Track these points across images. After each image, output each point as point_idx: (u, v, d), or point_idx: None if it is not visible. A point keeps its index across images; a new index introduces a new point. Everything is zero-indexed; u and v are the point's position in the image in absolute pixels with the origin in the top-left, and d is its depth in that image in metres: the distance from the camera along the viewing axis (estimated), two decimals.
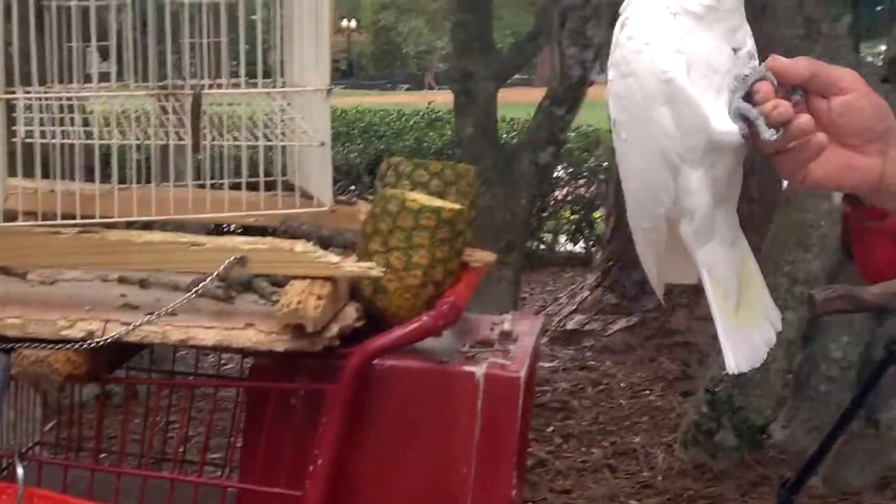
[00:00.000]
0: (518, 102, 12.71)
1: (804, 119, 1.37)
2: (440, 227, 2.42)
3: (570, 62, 6.95)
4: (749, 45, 1.45)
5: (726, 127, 1.39)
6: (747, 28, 1.46)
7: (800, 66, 1.41)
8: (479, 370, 2.40)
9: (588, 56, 6.94)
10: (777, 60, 1.41)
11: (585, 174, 11.82)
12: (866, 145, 1.43)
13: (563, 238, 12.11)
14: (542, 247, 11.88)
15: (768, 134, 1.35)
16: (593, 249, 11.09)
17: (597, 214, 11.30)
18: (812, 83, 1.41)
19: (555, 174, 11.46)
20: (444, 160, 10.66)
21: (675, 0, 1.43)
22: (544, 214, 11.76)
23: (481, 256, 2.69)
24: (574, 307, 8.85)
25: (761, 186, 8.38)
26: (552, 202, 11.80)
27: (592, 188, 11.74)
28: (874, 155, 1.43)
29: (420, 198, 2.47)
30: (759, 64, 1.43)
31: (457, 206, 2.47)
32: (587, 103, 7.64)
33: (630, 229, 1.61)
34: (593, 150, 11.78)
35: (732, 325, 1.49)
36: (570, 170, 11.83)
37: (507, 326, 2.63)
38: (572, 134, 11.77)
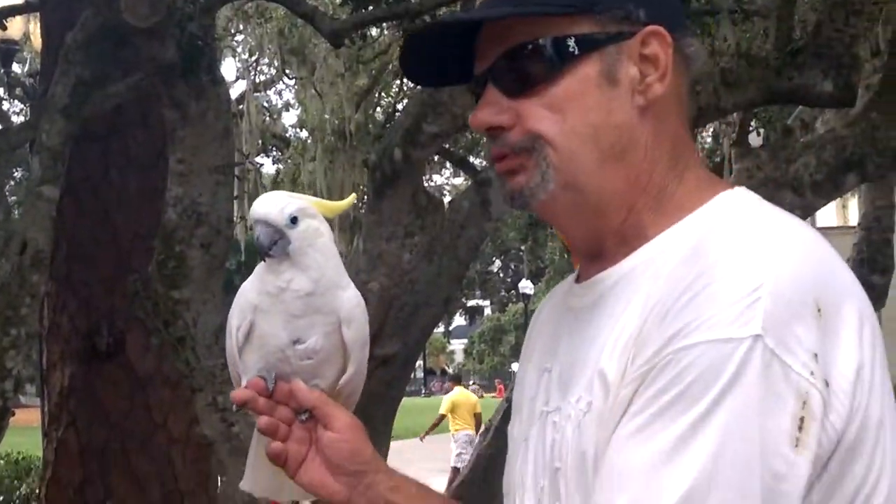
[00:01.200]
0: None
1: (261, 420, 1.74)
2: None
3: None
4: (311, 341, 1.77)
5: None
6: (321, 326, 1.78)
7: (307, 396, 1.75)
8: None
9: (8, 387, 6.79)
10: (298, 384, 1.76)
11: (18, 502, 11.35)
12: (340, 476, 1.74)
13: None
14: None
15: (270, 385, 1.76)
16: None
17: None
18: (315, 412, 1.75)
19: None
20: None
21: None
22: None
23: None
24: None
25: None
26: None
27: None
28: (343, 484, 1.75)
29: None
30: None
31: None
32: (16, 429, 7.41)
33: None
34: (24, 478, 11.37)
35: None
36: (1, 498, 11.33)
37: None
38: (1, 461, 11.34)
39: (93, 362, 8.45)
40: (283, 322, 1.77)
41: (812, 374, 1.27)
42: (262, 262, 1.79)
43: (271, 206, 1.77)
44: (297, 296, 1.76)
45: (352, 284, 1.83)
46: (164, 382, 8.29)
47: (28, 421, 13.18)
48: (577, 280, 1.61)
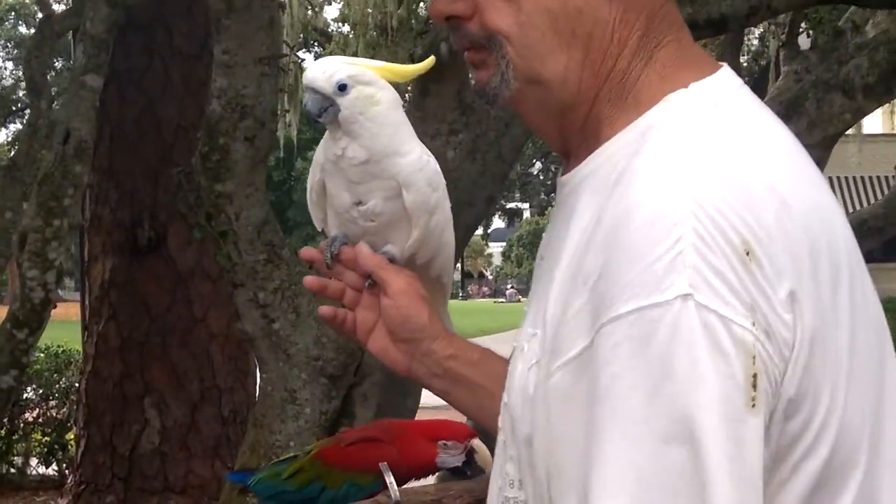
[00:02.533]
0: None
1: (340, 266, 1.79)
2: None
3: (32, 284, 6.80)
4: (371, 204, 1.78)
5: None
6: (381, 191, 1.78)
7: (366, 260, 1.77)
8: None
9: (50, 278, 6.83)
10: (361, 247, 1.79)
11: (57, 395, 11.47)
12: (397, 343, 1.77)
13: (35, 461, 11.64)
14: (12, 470, 11.35)
15: (327, 255, 1.80)
16: (67, 472, 10.74)
17: (70, 436, 10.95)
18: (374, 275, 1.76)
19: (24, 395, 11.08)
20: None
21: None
22: (14, 437, 11.29)
23: None
24: None
25: (234, 407, 8.51)
26: (22, 424, 11.34)
27: (64, 409, 11.40)
28: (402, 352, 1.76)
29: None
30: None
31: None
32: (56, 323, 7.48)
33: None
34: (64, 371, 11.47)
35: None
36: (41, 391, 11.44)
37: None
38: (41, 354, 11.45)
39: (134, 256, 8.48)
40: (345, 185, 1.79)
41: (754, 324, 1.16)
42: None
43: (319, 72, 1.76)
44: (351, 163, 1.77)
45: (417, 150, 1.81)
46: (205, 277, 8.32)
47: (67, 315, 13.32)
48: None
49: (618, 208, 1.21)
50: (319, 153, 1.85)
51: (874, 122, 26.13)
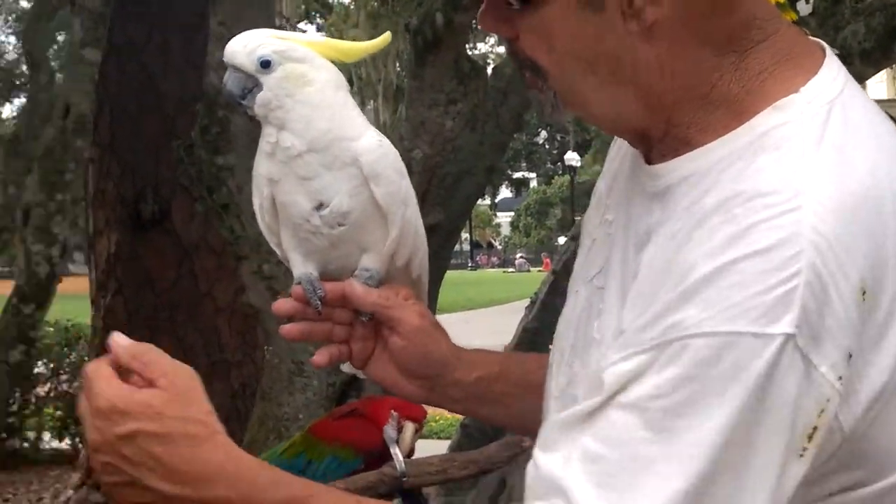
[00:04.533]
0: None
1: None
2: None
3: (37, 258, 6.83)
4: (335, 203, 1.57)
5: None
6: (343, 184, 1.57)
7: (367, 298, 1.60)
8: None
9: (55, 252, 6.85)
10: (353, 286, 1.59)
11: (68, 369, 11.49)
12: (412, 379, 1.64)
13: (47, 435, 11.67)
14: (25, 445, 11.38)
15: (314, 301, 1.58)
16: (80, 446, 10.77)
17: None
18: (378, 315, 1.61)
19: (35, 370, 11.11)
20: None
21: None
22: (26, 412, 11.32)
23: None
24: None
25: (243, 381, 8.53)
26: (34, 399, 11.37)
27: (76, 383, 11.42)
28: (417, 387, 1.64)
29: None
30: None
31: None
32: (64, 297, 7.51)
33: None
34: (74, 345, 11.50)
35: None
36: (52, 365, 11.47)
37: None
38: (50, 329, 11.48)
39: (138, 230, 8.49)
40: (298, 187, 1.57)
41: (840, 378, 1.14)
42: None
43: (239, 45, 1.56)
44: (290, 154, 1.56)
45: (369, 133, 1.60)
46: (210, 251, 8.32)
47: (76, 290, 13.34)
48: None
49: (732, 225, 1.16)
50: (260, 166, 1.61)
51: (879, 88, 25.94)
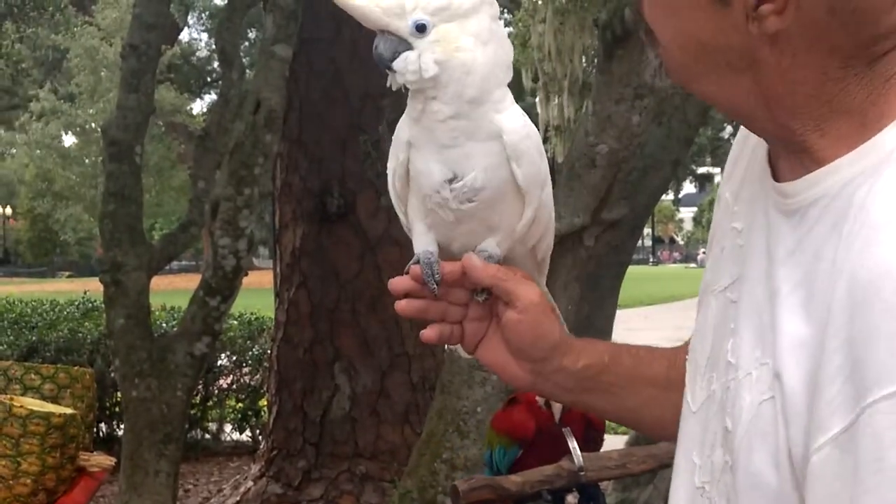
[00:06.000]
0: (186, 289, 12.57)
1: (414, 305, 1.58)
2: (50, 433, 2.32)
3: (224, 252, 6.93)
4: (469, 177, 1.51)
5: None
6: (481, 159, 1.51)
7: (485, 271, 1.55)
8: None
9: (242, 246, 6.94)
10: (471, 259, 1.54)
11: (250, 362, 11.70)
12: (522, 361, 1.58)
13: (228, 427, 11.92)
14: (207, 436, 11.64)
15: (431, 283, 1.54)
16: (259, 438, 10.96)
17: (262, 402, 11.18)
18: (494, 290, 1.55)
19: (219, 363, 11.34)
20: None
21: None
22: (209, 404, 11.57)
23: (98, 461, 2.58)
24: (238, 498, 8.67)
25: (423, 374, 8.54)
26: (216, 391, 11.62)
27: (257, 376, 11.63)
28: (526, 371, 1.59)
29: (29, 403, 2.37)
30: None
31: (68, 411, 2.38)
32: (249, 291, 7.60)
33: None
34: (257, 338, 11.70)
35: None
36: (234, 358, 11.69)
37: None
38: (234, 322, 11.70)
39: (323, 223, 8.57)
40: (435, 155, 1.51)
41: None
42: None
43: (394, 6, 1.47)
44: (436, 119, 1.49)
45: (514, 108, 1.54)
46: (394, 243, 8.34)
47: (260, 283, 13.60)
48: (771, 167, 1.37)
49: (874, 266, 1.11)
50: (402, 129, 1.56)
51: None
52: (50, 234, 51.22)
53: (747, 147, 1.44)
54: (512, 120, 1.53)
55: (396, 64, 1.47)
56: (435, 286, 1.55)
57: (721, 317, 1.37)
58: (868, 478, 1.08)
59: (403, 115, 1.56)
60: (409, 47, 1.47)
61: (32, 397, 2.49)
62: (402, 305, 1.60)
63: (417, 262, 1.56)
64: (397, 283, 1.58)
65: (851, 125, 1.22)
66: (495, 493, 3.74)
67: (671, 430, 1.62)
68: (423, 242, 1.58)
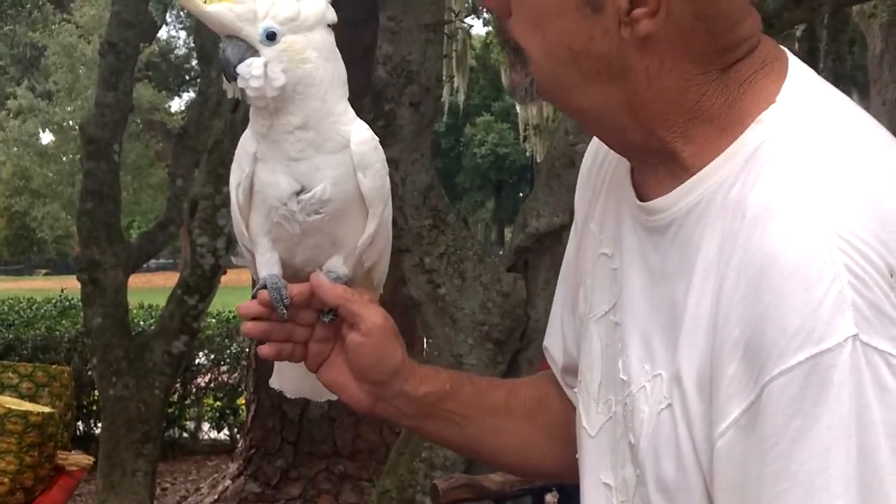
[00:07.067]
0: (163, 287, 12.53)
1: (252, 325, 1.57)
2: (28, 431, 2.31)
3: (202, 251, 6.91)
4: (318, 189, 1.50)
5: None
6: (330, 170, 1.51)
7: (332, 291, 1.55)
8: None
9: (220, 244, 6.92)
10: (319, 279, 1.55)
11: (228, 360, 11.68)
12: (363, 383, 1.60)
13: (206, 426, 11.90)
14: (184, 435, 11.62)
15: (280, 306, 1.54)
16: (237, 437, 10.94)
17: (240, 401, 11.16)
18: (340, 311, 1.56)
19: (197, 361, 11.32)
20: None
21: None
22: (186, 402, 11.54)
23: (76, 460, 2.57)
24: (215, 497, 8.65)
25: None
26: (194, 389, 11.60)
27: (235, 375, 11.61)
28: (366, 393, 1.61)
29: (6, 401, 2.35)
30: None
31: (46, 410, 2.36)
32: (227, 289, 7.58)
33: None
34: (235, 337, 11.68)
35: None
36: (212, 356, 11.67)
37: None
38: (213, 320, 11.67)
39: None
40: (283, 167, 1.50)
41: None
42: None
43: (246, 13, 1.46)
44: (284, 130, 1.49)
45: (359, 121, 1.54)
46: None
47: (238, 281, 13.56)
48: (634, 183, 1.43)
49: (757, 254, 1.18)
50: (248, 142, 1.55)
51: None
52: (27, 232, 51.02)
53: (599, 178, 1.53)
54: (360, 131, 1.53)
55: (240, 68, 1.46)
56: (284, 311, 1.54)
57: (608, 339, 1.42)
58: (770, 451, 1.14)
59: (247, 130, 1.55)
60: (256, 54, 1.46)
61: (10, 396, 2.47)
62: (248, 327, 1.59)
63: (264, 286, 1.55)
64: (247, 308, 1.58)
65: (713, 130, 1.29)
66: (475, 492, 3.75)
67: (508, 460, 1.73)
68: (266, 265, 1.57)
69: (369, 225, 1.57)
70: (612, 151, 1.48)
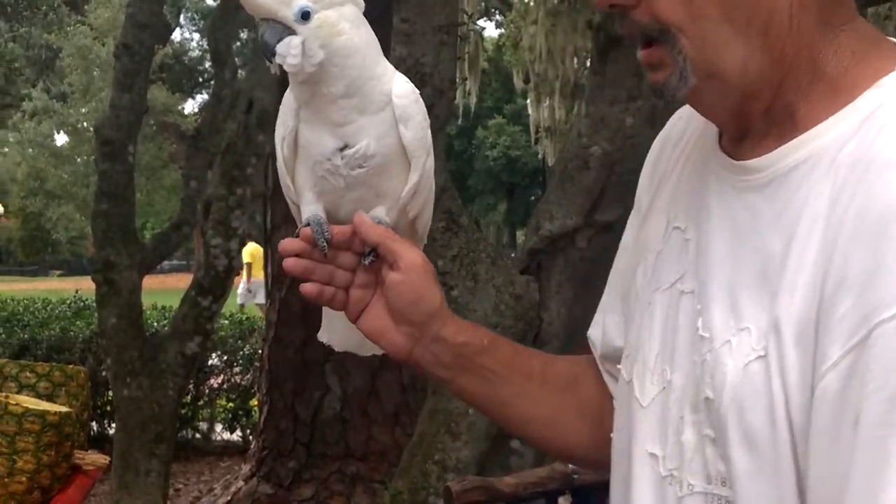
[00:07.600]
0: (177, 288, 12.56)
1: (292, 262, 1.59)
2: (46, 430, 2.33)
3: (215, 252, 6.93)
4: (362, 145, 1.54)
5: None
6: (374, 128, 1.55)
7: (374, 229, 1.57)
8: None
9: (234, 246, 6.95)
10: (361, 217, 1.57)
11: (241, 362, 11.70)
12: (401, 325, 1.60)
13: (219, 427, 11.91)
14: (197, 436, 11.63)
15: (321, 242, 1.57)
16: (250, 438, 10.95)
17: (253, 402, 11.17)
18: (380, 250, 1.57)
19: (210, 362, 11.33)
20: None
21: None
22: (199, 403, 11.56)
23: (93, 459, 2.59)
24: (228, 498, 8.66)
25: (414, 374, 8.54)
26: (207, 391, 11.61)
27: (248, 376, 11.62)
28: (405, 336, 1.61)
29: (24, 400, 2.37)
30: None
31: (63, 409, 2.38)
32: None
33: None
34: (248, 338, 11.69)
35: None
36: (225, 357, 11.68)
37: None
38: (225, 321, 11.69)
39: None
40: (328, 128, 1.55)
41: None
42: None
43: None
44: (329, 100, 1.54)
45: (399, 75, 1.59)
46: None
47: None
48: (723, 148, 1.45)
49: (880, 200, 1.19)
50: (291, 97, 1.59)
51: None
52: (42, 233, 51.23)
53: (669, 166, 1.57)
54: (401, 85, 1.57)
55: (279, 47, 1.50)
56: (325, 245, 1.57)
57: (670, 310, 1.43)
58: (873, 395, 1.13)
59: (288, 91, 1.59)
60: (293, 34, 1.50)
61: (27, 395, 2.49)
62: (290, 263, 1.62)
63: (307, 224, 1.59)
64: (288, 244, 1.62)
65: (828, 91, 1.32)
66: (488, 494, 3.75)
67: (536, 431, 1.72)
68: (312, 209, 1.60)
69: (412, 176, 1.60)
70: (682, 141, 1.56)
